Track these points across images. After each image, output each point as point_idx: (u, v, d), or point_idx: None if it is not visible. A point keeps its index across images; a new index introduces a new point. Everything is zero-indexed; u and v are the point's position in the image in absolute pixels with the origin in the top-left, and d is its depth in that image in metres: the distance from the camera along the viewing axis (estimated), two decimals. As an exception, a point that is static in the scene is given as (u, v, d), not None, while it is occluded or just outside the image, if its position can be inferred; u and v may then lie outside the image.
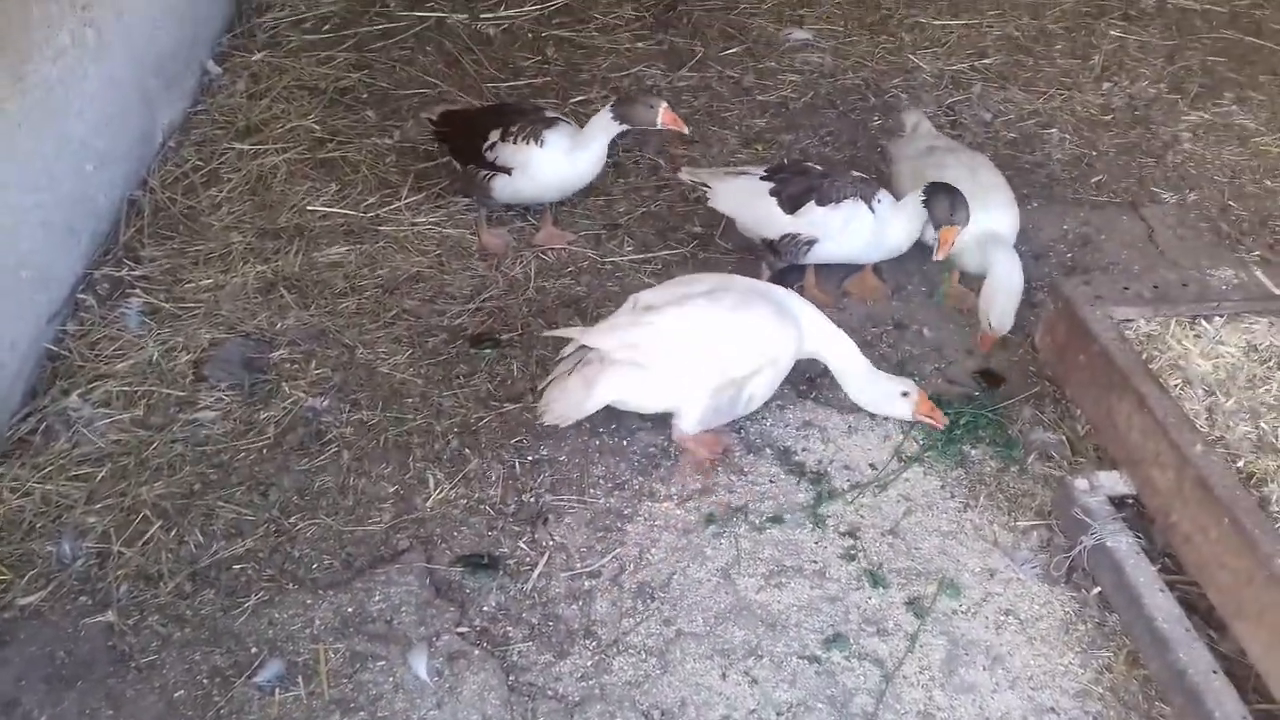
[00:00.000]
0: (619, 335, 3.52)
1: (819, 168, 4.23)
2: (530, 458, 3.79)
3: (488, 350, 4.20)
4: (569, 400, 3.55)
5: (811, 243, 4.15)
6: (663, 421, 3.78)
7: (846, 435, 3.93)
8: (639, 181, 5.00)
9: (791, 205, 4.17)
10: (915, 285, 4.38)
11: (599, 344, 3.51)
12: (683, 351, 3.51)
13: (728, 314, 3.54)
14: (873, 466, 3.83)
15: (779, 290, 3.68)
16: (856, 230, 4.06)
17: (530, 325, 4.24)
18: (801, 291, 4.11)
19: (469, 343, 4.21)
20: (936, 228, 3.86)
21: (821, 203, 4.13)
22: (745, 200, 4.25)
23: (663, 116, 4.05)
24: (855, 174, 4.15)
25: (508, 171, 4.36)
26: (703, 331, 3.51)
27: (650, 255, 4.64)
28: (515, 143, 4.32)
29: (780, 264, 4.19)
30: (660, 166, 4.99)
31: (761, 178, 4.21)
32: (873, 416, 3.86)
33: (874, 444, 3.90)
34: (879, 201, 4.03)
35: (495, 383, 4.06)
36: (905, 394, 3.71)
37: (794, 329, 3.59)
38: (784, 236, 4.18)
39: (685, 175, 4.32)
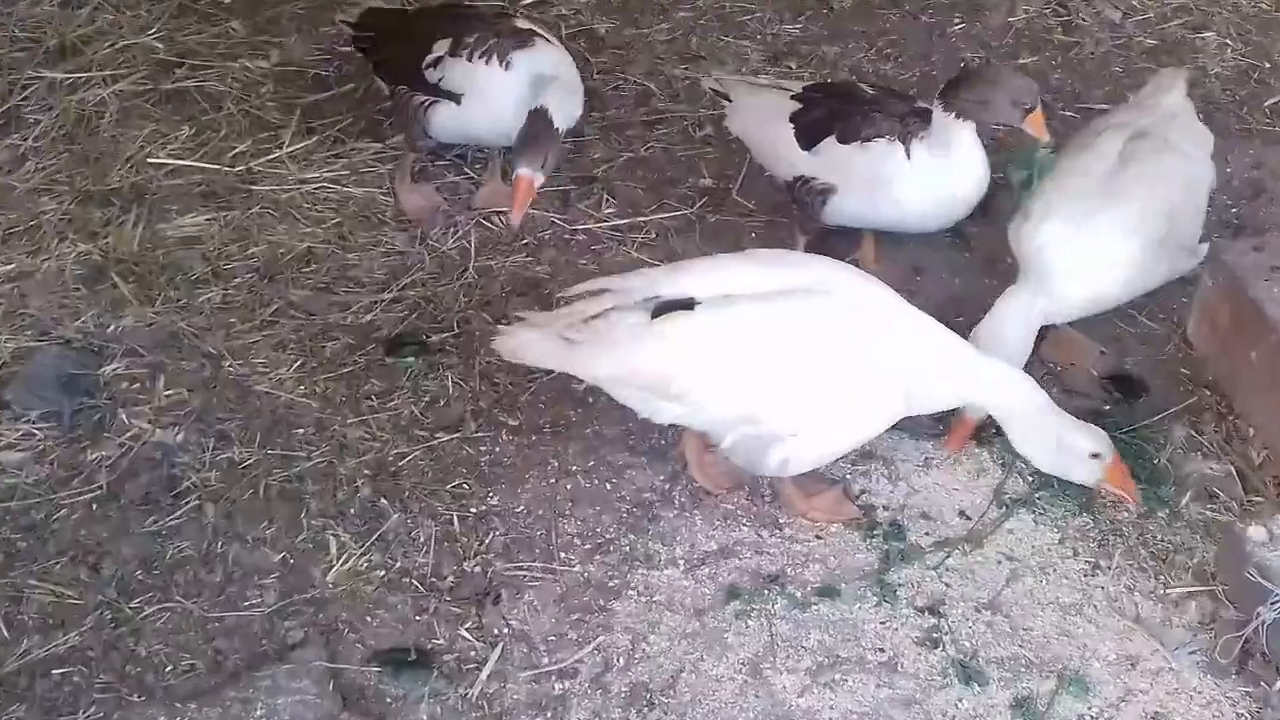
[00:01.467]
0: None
1: (872, 92, 4.42)
2: (474, 509, 3.91)
3: (410, 358, 4.34)
4: (548, 348, 3.69)
5: (826, 192, 4.34)
6: (659, 458, 3.97)
7: (923, 470, 4.05)
8: (623, 115, 5.18)
9: (807, 137, 4.34)
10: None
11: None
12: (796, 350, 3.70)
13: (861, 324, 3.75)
14: (963, 515, 4.00)
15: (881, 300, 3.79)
16: (883, 184, 4.23)
17: (470, 322, 4.37)
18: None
19: (383, 348, 4.36)
20: (1010, 122, 4.18)
21: (843, 138, 4.29)
22: (762, 123, 4.42)
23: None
24: (917, 104, 4.32)
25: (455, 99, 4.52)
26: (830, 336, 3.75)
27: (639, 219, 4.80)
28: (471, 59, 4.50)
29: (810, 223, 4.37)
30: (654, 94, 5.26)
31: (793, 97, 4.41)
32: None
33: (962, 482, 4.01)
34: (920, 141, 4.17)
35: (421, 404, 4.20)
36: (1096, 455, 3.78)
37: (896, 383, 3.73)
38: (797, 179, 4.36)
39: (710, 81, 4.59)
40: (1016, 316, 3.99)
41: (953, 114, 4.16)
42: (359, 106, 5.05)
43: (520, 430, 4.13)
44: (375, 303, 4.50)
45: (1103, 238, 4.06)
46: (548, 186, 4.63)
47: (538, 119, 4.30)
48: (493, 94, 4.49)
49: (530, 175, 4.22)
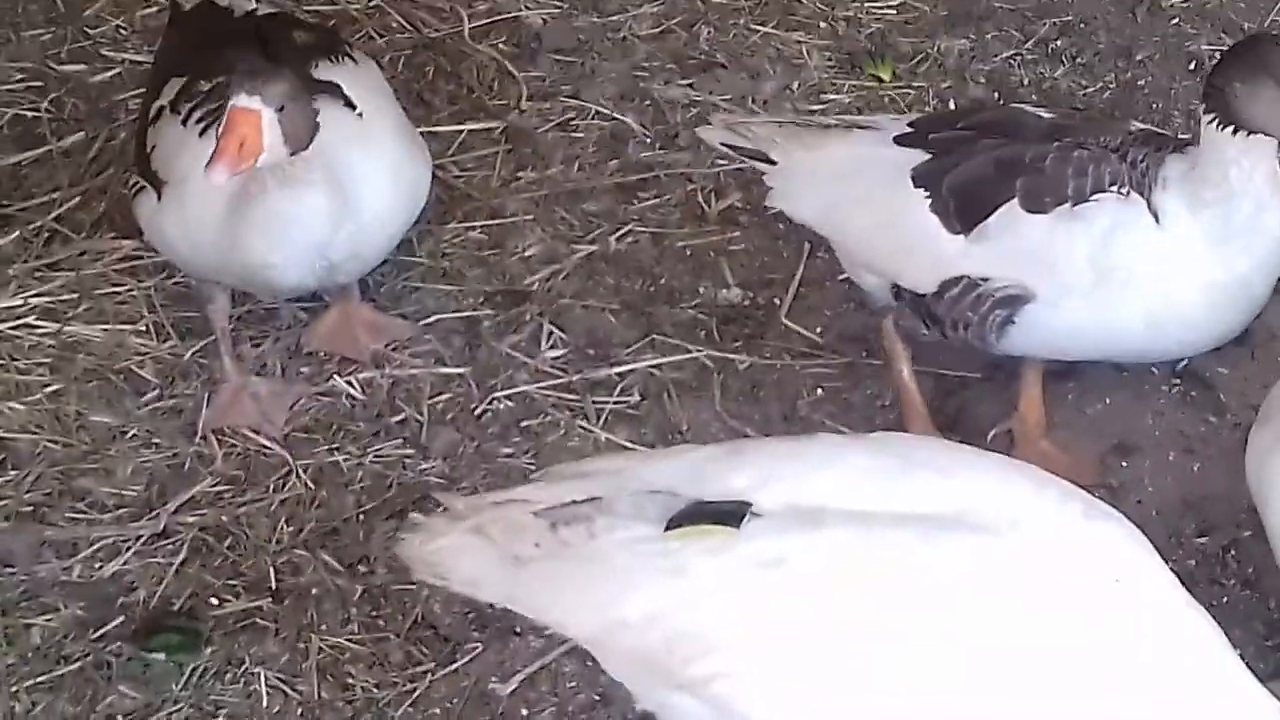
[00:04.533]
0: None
1: (1051, 116, 3.87)
2: None
3: (176, 654, 3.65)
4: (484, 566, 3.06)
5: (1014, 303, 3.72)
6: None
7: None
8: (578, 176, 4.64)
9: (965, 209, 3.74)
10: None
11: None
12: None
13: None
14: None
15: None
16: (1118, 275, 3.64)
17: (300, 571, 3.80)
18: (1010, 446, 3.91)
19: (137, 635, 3.73)
20: None
21: (1032, 204, 3.67)
22: (860, 196, 3.88)
23: None
24: (1133, 128, 3.81)
25: (157, 189, 4.03)
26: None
27: (611, 368, 4.18)
28: (186, 123, 3.98)
29: (920, 336, 3.98)
30: (632, 135, 4.67)
31: (897, 139, 3.88)
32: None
33: None
34: (1170, 187, 3.61)
35: None
36: None
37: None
38: (949, 284, 3.76)
39: (710, 133, 4.12)
40: None
41: (1232, 127, 3.52)
42: (96, 173, 4.53)
43: None
44: (124, 543, 3.86)
45: None
46: (439, 313, 4.30)
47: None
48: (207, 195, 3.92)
49: (251, 109, 3.65)
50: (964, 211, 3.75)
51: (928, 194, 3.77)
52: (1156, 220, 3.65)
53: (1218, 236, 3.66)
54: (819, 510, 3.03)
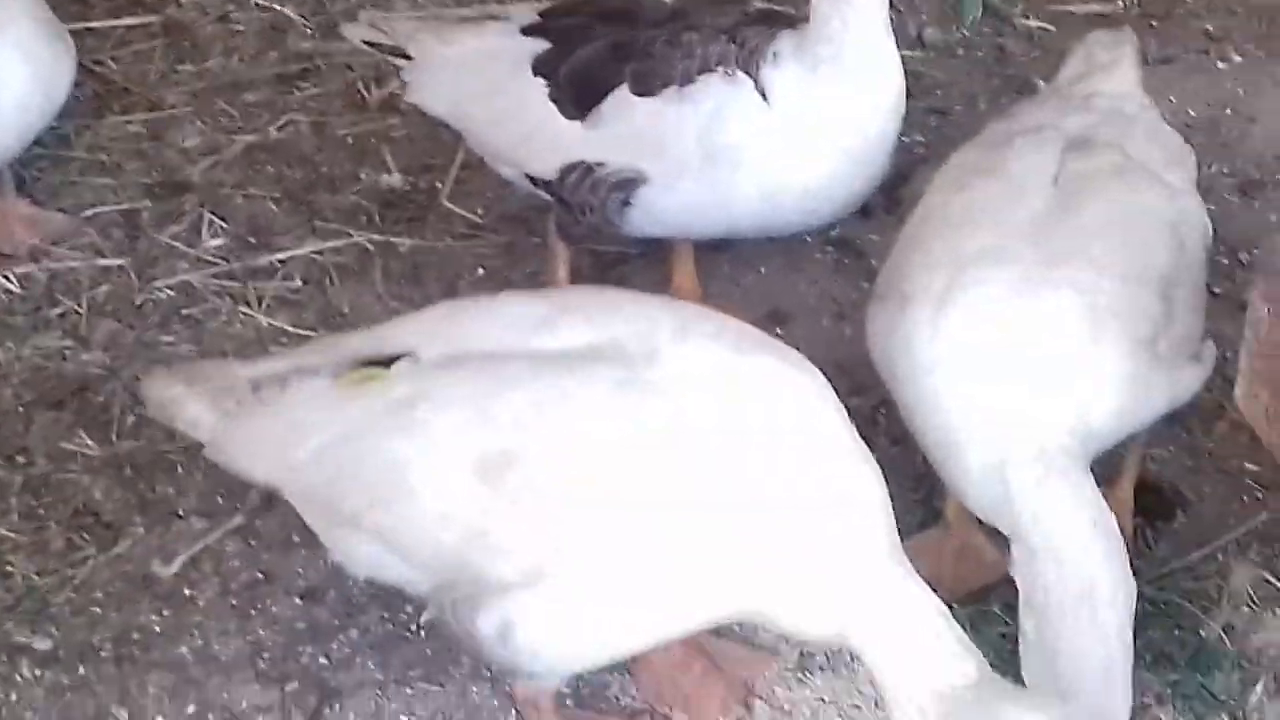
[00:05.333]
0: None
1: (663, 2, 4.02)
2: None
3: None
4: (199, 415, 3.19)
5: (629, 185, 3.81)
6: (313, 688, 3.35)
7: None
8: (238, 67, 4.61)
9: (579, 96, 3.83)
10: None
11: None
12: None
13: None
14: None
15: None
16: (728, 153, 3.71)
17: None
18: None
19: None
20: None
21: (642, 87, 3.75)
22: (485, 88, 3.94)
23: None
24: (750, 8, 3.94)
25: None
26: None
27: (273, 255, 4.20)
28: None
29: (586, 236, 4.04)
30: (292, 25, 4.73)
31: (523, 29, 3.94)
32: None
33: None
34: (780, 62, 3.68)
35: None
36: None
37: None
38: (569, 170, 3.86)
39: (353, 30, 4.11)
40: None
41: None
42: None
43: (57, 658, 3.45)
44: None
45: (1052, 346, 3.34)
46: (97, 206, 4.30)
47: None
48: None
49: None
50: (579, 98, 3.81)
51: (547, 82, 3.85)
52: (764, 98, 3.72)
53: (828, 98, 3.72)
54: (464, 355, 3.14)
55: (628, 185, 3.84)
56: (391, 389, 3.20)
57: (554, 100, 3.87)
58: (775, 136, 3.74)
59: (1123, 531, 3.49)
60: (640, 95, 3.78)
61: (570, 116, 3.84)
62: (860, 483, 3.18)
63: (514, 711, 3.42)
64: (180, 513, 3.73)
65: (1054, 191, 3.57)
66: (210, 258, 4.32)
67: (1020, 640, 3.31)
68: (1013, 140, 3.73)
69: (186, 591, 3.62)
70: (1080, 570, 3.25)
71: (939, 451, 3.44)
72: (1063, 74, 4.02)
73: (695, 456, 3.10)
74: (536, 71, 3.87)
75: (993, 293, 3.42)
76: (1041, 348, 3.40)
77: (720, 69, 3.74)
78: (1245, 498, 3.77)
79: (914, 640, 3.17)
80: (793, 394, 3.20)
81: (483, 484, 3.12)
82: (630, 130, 3.81)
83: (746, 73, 3.73)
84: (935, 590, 3.53)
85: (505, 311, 3.28)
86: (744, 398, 3.14)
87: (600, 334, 3.20)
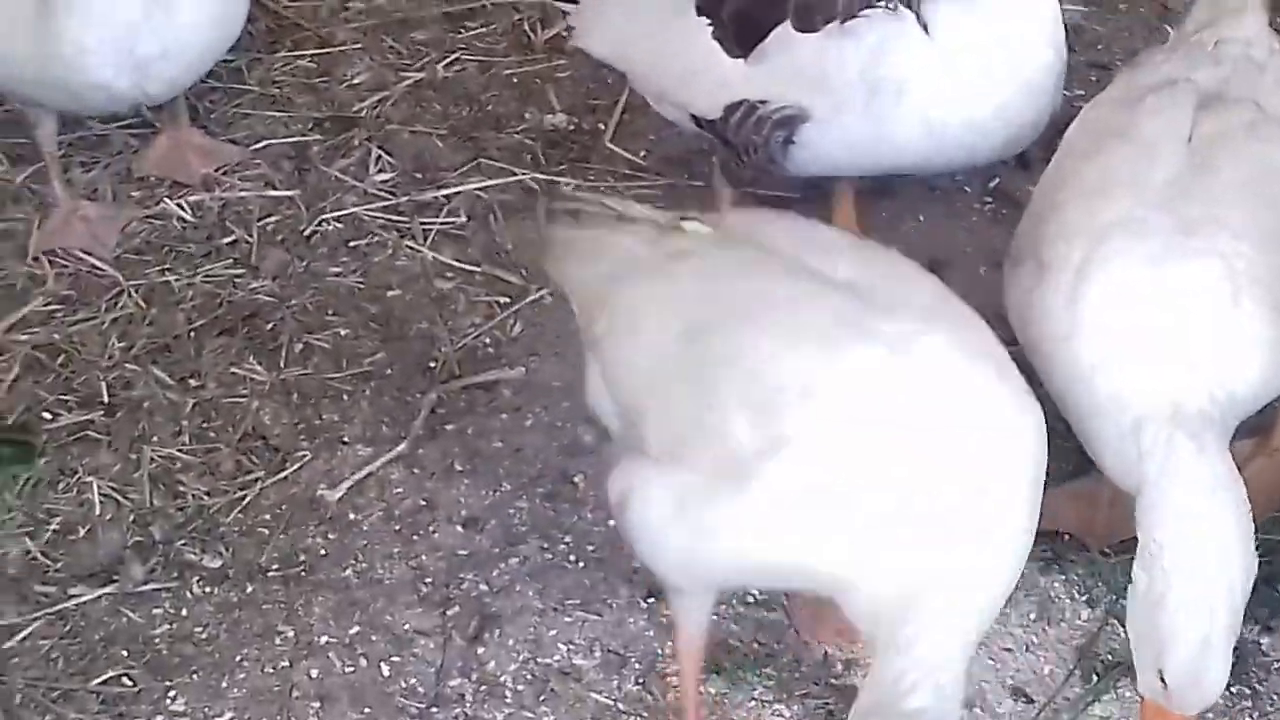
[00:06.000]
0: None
1: None
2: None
3: (9, 465, 3.64)
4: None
5: (791, 123, 3.78)
6: (472, 612, 3.39)
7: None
8: (405, 5, 4.63)
9: (742, 34, 3.81)
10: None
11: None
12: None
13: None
14: (1021, 695, 3.41)
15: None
16: (891, 87, 3.67)
17: (132, 385, 3.77)
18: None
19: None
20: None
21: (805, 23, 3.72)
22: (649, 29, 3.93)
23: None
24: None
25: None
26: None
27: (437, 190, 4.18)
28: None
29: (749, 179, 4.04)
30: None
31: None
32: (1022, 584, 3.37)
33: (1042, 639, 3.49)
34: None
35: (42, 538, 3.50)
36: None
37: None
38: (732, 109, 3.83)
39: None
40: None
41: None
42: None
43: (226, 576, 3.52)
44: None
45: (1192, 315, 3.25)
46: (268, 138, 4.34)
47: None
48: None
49: None
50: (743, 36, 3.80)
51: (710, 21, 3.84)
52: (926, 31, 3.70)
53: (989, 37, 3.69)
54: (754, 242, 3.18)
55: (791, 122, 3.83)
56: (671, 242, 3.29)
57: (717, 39, 3.86)
58: (938, 69, 3.71)
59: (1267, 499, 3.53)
60: (803, 31, 3.76)
61: (734, 55, 3.83)
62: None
63: (669, 643, 3.40)
64: (345, 439, 3.79)
65: (1188, 152, 3.51)
66: (377, 191, 4.34)
67: (1129, 591, 3.23)
68: (1144, 97, 3.66)
69: (351, 516, 3.68)
70: (1197, 530, 3.17)
71: (1075, 415, 3.39)
72: (1191, 19, 3.92)
73: (893, 430, 2.99)
74: (700, 11, 3.89)
75: (1131, 264, 3.36)
76: (1181, 317, 3.34)
77: (882, 3, 3.74)
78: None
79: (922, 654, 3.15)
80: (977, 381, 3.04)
81: (683, 345, 3.18)
82: (793, 67, 3.79)
83: (908, 6, 3.74)
84: (1086, 538, 3.60)
85: (802, 226, 3.28)
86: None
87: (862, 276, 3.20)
